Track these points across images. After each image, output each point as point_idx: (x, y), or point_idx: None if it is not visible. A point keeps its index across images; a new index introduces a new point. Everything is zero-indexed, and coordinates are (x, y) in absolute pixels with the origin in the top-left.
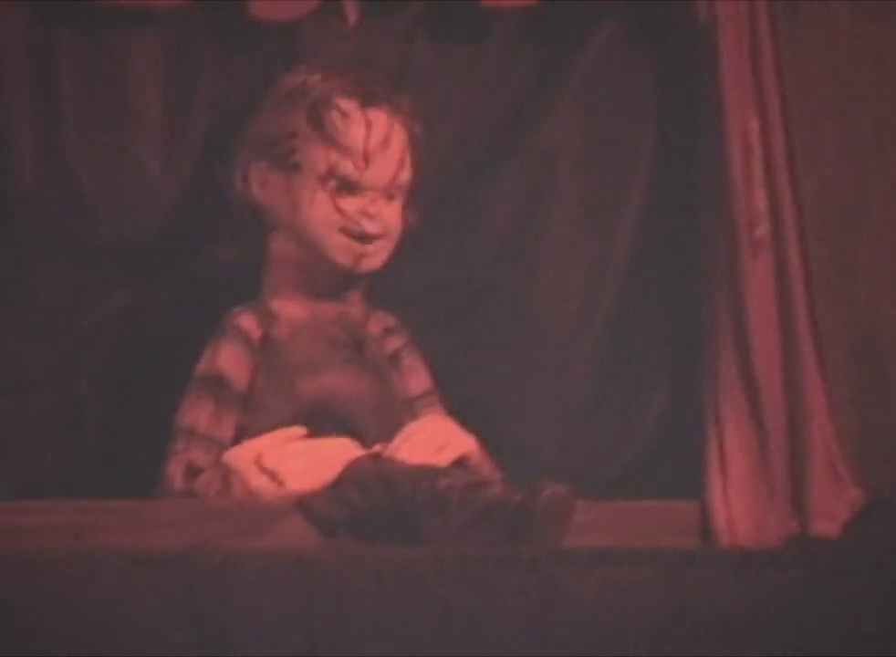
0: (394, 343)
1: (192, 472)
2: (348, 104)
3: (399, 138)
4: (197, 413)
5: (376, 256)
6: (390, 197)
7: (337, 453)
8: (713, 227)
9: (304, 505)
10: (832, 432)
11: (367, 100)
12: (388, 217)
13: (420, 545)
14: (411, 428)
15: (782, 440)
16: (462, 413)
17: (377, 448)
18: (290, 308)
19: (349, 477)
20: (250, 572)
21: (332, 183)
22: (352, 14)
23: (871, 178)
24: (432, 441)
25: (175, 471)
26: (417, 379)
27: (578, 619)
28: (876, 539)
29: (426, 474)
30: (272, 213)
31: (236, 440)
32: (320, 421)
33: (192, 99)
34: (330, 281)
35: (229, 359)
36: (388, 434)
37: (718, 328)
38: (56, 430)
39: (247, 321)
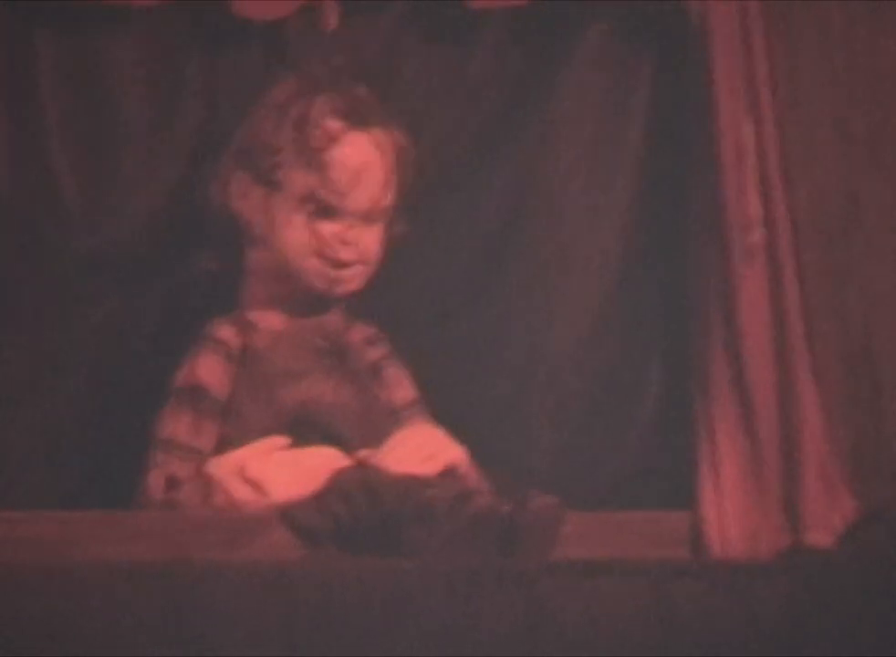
0: (375, 353)
1: (173, 483)
2: (334, 125)
3: (384, 161)
4: (176, 425)
5: (352, 282)
6: (370, 221)
7: (321, 462)
8: (705, 233)
9: (287, 515)
10: (826, 441)
11: (354, 121)
12: (366, 243)
13: (405, 557)
14: (400, 436)
15: (775, 450)
16: (449, 424)
17: (363, 453)
18: (270, 319)
19: (334, 488)
20: (231, 584)
21: (310, 207)
22: (332, 16)
23: (866, 183)
24: (421, 450)
25: (155, 482)
26: (400, 389)
27: (567, 632)
28: (870, 551)
29: (412, 484)
30: (250, 225)
31: (218, 451)
32: (302, 430)
33: (175, 102)
34: (309, 295)
35: (208, 370)
36: (371, 443)
37: (710, 336)
38: (35, 441)
39: (226, 332)
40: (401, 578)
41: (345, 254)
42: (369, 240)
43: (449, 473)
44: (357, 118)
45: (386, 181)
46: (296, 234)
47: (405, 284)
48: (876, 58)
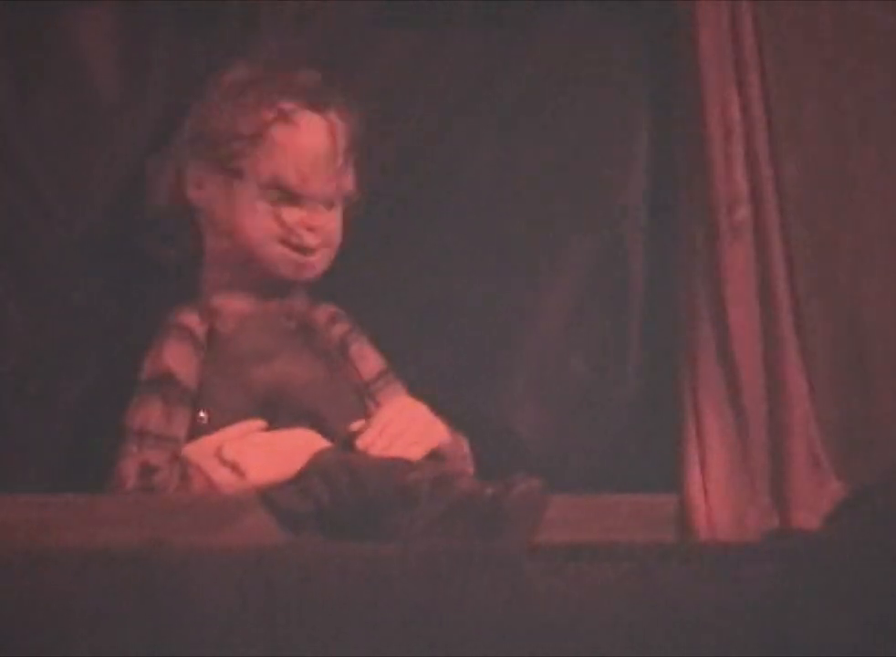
0: (340, 330)
1: (147, 470)
2: (292, 109)
3: (343, 144)
4: (146, 414)
5: (317, 266)
6: (331, 205)
7: (299, 444)
8: (691, 210)
9: (267, 498)
10: (813, 421)
11: (312, 104)
12: (328, 227)
13: (387, 540)
14: (384, 418)
15: (762, 430)
16: (434, 405)
17: (356, 426)
18: (233, 304)
19: (315, 469)
20: (210, 569)
21: (274, 193)
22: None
23: (855, 159)
24: (407, 432)
25: (128, 471)
26: (368, 362)
27: (552, 617)
28: (857, 532)
29: (395, 466)
30: (208, 214)
31: (191, 438)
32: (276, 411)
33: (143, 84)
34: (273, 280)
35: (175, 358)
36: (345, 420)
37: (696, 314)
38: (8, 425)
39: (189, 318)
40: (382, 562)
41: (310, 239)
42: (331, 223)
43: (434, 454)
44: (312, 100)
45: (345, 166)
46: (260, 222)
47: (375, 267)
48: (866, 31)
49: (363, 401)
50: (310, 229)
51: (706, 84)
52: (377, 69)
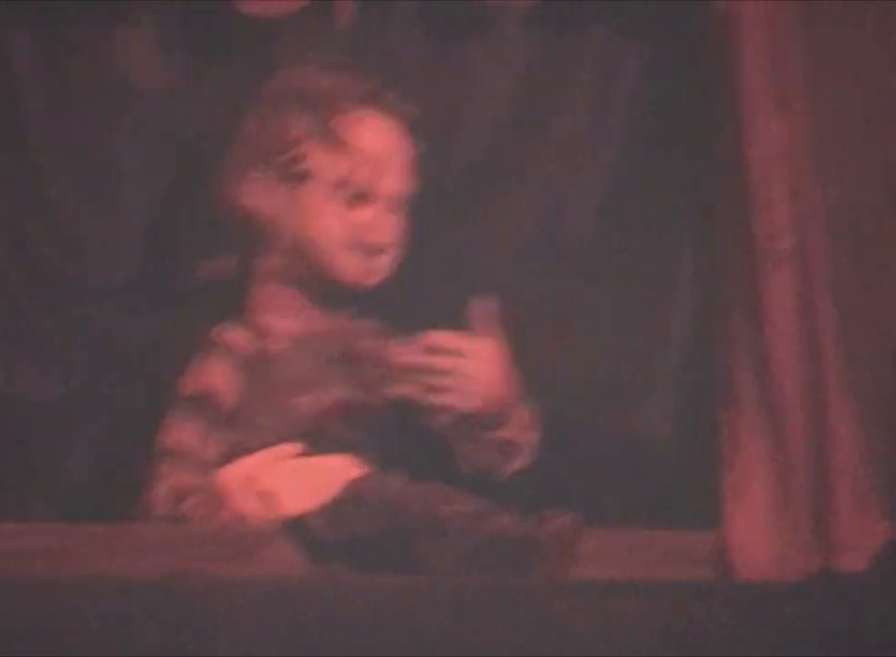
0: (384, 344)
1: (178, 496)
2: (356, 108)
3: (405, 147)
4: (182, 434)
5: (382, 270)
6: (395, 207)
7: (335, 472)
8: (731, 239)
9: (297, 524)
10: (858, 457)
11: (379, 107)
12: (396, 228)
13: (416, 572)
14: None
15: (805, 466)
16: None
17: (345, 461)
18: (280, 324)
19: (349, 497)
20: (232, 601)
21: (344, 192)
22: (344, 13)
23: None
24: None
25: (161, 495)
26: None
27: (583, 656)
28: None
29: (431, 496)
30: (271, 224)
31: (225, 460)
32: (315, 439)
33: (174, 102)
34: (322, 297)
35: (217, 377)
36: (381, 451)
37: (736, 346)
38: (35, 451)
39: (236, 337)
40: (409, 595)
41: (381, 237)
42: (399, 227)
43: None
44: (378, 103)
45: (409, 167)
46: (330, 223)
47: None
48: None
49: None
50: (379, 229)
51: (748, 109)
52: (410, 87)
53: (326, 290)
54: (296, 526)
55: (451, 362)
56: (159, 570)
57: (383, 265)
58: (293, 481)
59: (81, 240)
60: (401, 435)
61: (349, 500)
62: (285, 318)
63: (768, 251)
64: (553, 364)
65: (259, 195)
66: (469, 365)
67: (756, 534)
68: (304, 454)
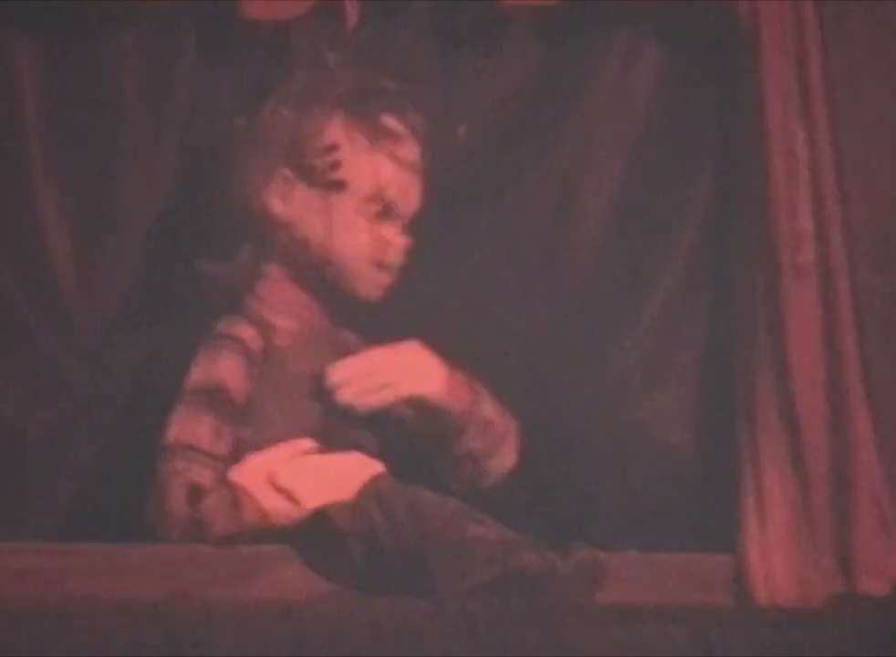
0: None
1: (196, 493)
2: (393, 121)
3: (420, 160)
4: (196, 428)
5: (385, 288)
6: (406, 224)
7: (353, 468)
8: (751, 251)
9: (323, 514)
10: (882, 479)
11: (408, 120)
12: (406, 245)
13: (426, 591)
14: (362, 356)
15: (826, 488)
16: None
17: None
18: (285, 321)
19: (372, 493)
20: (234, 625)
21: (374, 207)
22: (352, 15)
23: None
24: (377, 373)
25: (178, 493)
26: None
27: None
28: None
29: (458, 515)
30: (287, 228)
31: (235, 456)
32: (327, 435)
33: (175, 107)
34: (325, 301)
35: (228, 370)
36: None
37: (757, 362)
38: (31, 469)
39: (245, 331)
40: (417, 619)
41: (395, 257)
42: (406, 243)
43: (417, 403)
44: (402, 110)
45: (423, 180)
46: (358, 238)
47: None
48: None
49: None
50: (397, 249)
51: (769, 114)
52: (424, 89)
53: (331, 299)
54: (319, 514)
55: (384, 362)
56: (159, 593)
57: (388, 281)
58: (311, 478)
59: (81, 249)
60: (391, 445)
61: (372, 496)
62: (288, 317)
63: (790, 263)
64: (564, 380)
65: (284, 199)
66: (401, 357)
67: (776, 557)
68: (318, 451)
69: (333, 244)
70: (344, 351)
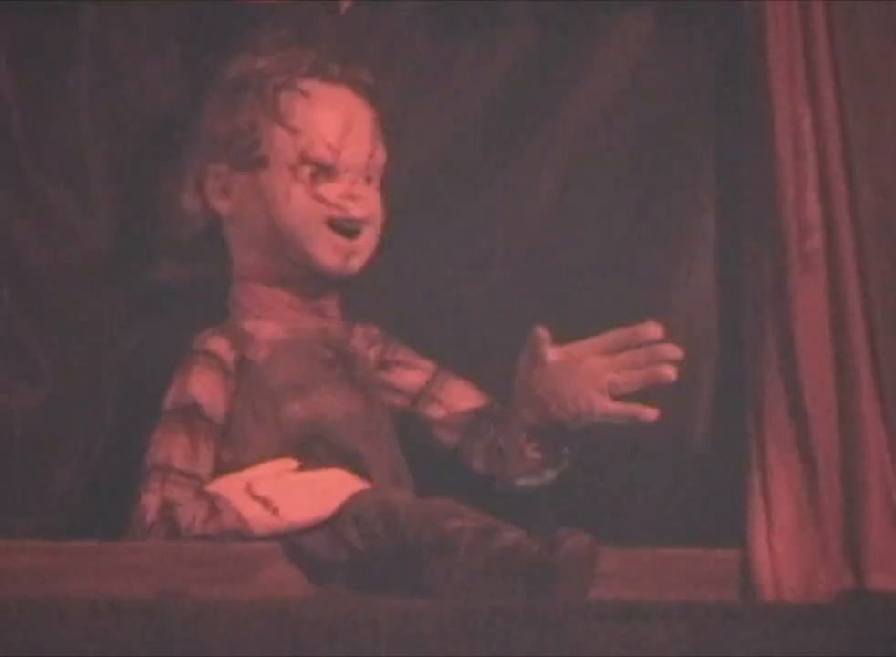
0: (378, 349)
1: (169, 506)
2: (307, 84)
3: (365, 115)
4: (171, 449)
5: (363, 251)
6: (368, 179)
7: (334, 484)
8: (758, 239)
9: (294, 544)
10: (892, 471)
11: (326, 78)
12: (371, 200)
13: (423, 595)
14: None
15: (835, 481)
16: None
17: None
18: (266, 328)
19: (349, 514)
20: (228, 624)
21: (306, 171)
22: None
23: None
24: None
25: (151, 506)
26: (418, 368)
27: None
28: None
29: (434, 512)
30: (237, 223)
31: (217, 475)
32: (310, 449)
33: (161, 90)
34: (307, 294)
35: (202, 387)
36: (382, 458)
37: (763, 353)
38: (21, 467)
39: (218, 344)
40: (415, 618)
41: (356, 210)
42: (373, 197)
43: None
44: (330, 75)
45: (373, 135)
46: (300, 207)
47: (403, 279)
48: None
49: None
50: (354, 198)
51: (775, 98)
52: (415, 75)
53: (310, 284)
54: (291, 546)
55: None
56: (150, 591)
57: (362, 245)
58: (291, 493)
59: (63, 238)
60: (403, 444)
61: (349, 517)
62: (270, 321)
63: (798, 251)
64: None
65: (222, 192)
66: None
67: (784, 552)
68: (300, 469)
69: (278, 220)
70: (326, 356)
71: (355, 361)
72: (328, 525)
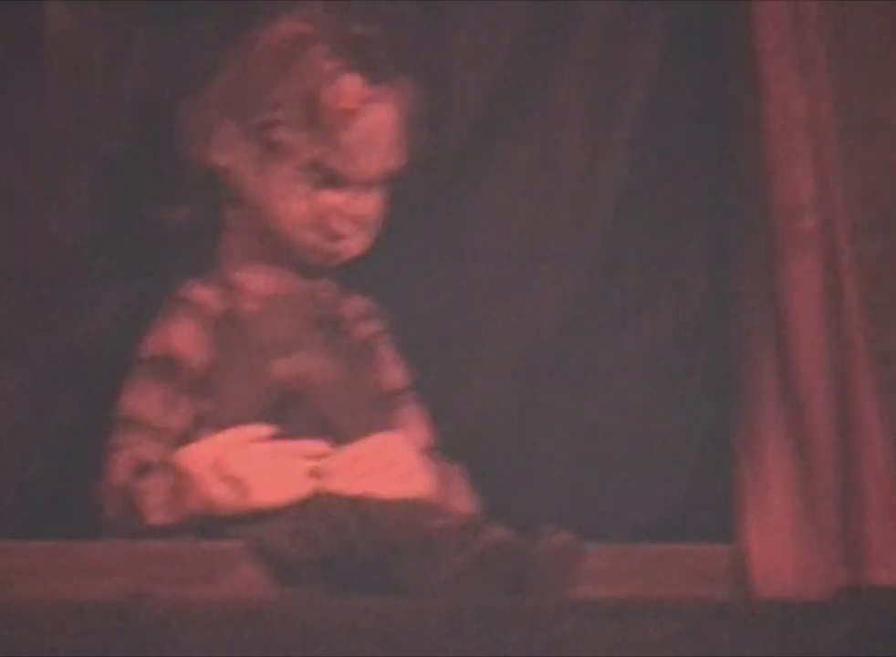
0: (369, 329)
1: (139, 468)
2: (350, 84)
3: (395, 123)
4: (146, 400)
5: (350, 251)
6: (373, 185)
7: (307, 457)
8: (750, 220)
9: (260, 543)
10: (890, 464)
11: (369, 77)
12: (367, 211)
13: (402, 595)
14: (360, 449)
15: (831, 473)
16: (462, 445)
17: (320, 448)
18: (256, 281)
19: (318, 511)
20: (199, 626)
21: (314, 175)
22: None
23: None
24: (379, 472)
25: (119, 466)
26: (393, 372)
27: None
28: None
29: (413, 511)
30: (237, 184)
31: (193, 430)
32: (287, 411)
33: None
34: (298, 262)
35: (183, 338)
36: (359, 432)
37: (755, 340)
38: None
39: (204, 294)
40: (394, 619)
41: (344, 227)
42: (371, 205)
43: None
44: (371, 72)
45: (394, 146)
46: (295, 206)
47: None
48: None
49: (380, 413)
50: (346, 216)
51: (766, 74)
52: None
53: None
54: (256, 546)
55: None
56: (117, 593)
57: (346, 249)
58: (262, 468)
59: (33, 199)
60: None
61: (318, 515)
62: (259, 274)
63: (791, 232)
64: (554, 365)
65: (225, 150)
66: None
67: (778, 547)
68: (273, 437)
69: (271, 210)
70: (315, 317)
71: (343, 327)
72: (296, 521)
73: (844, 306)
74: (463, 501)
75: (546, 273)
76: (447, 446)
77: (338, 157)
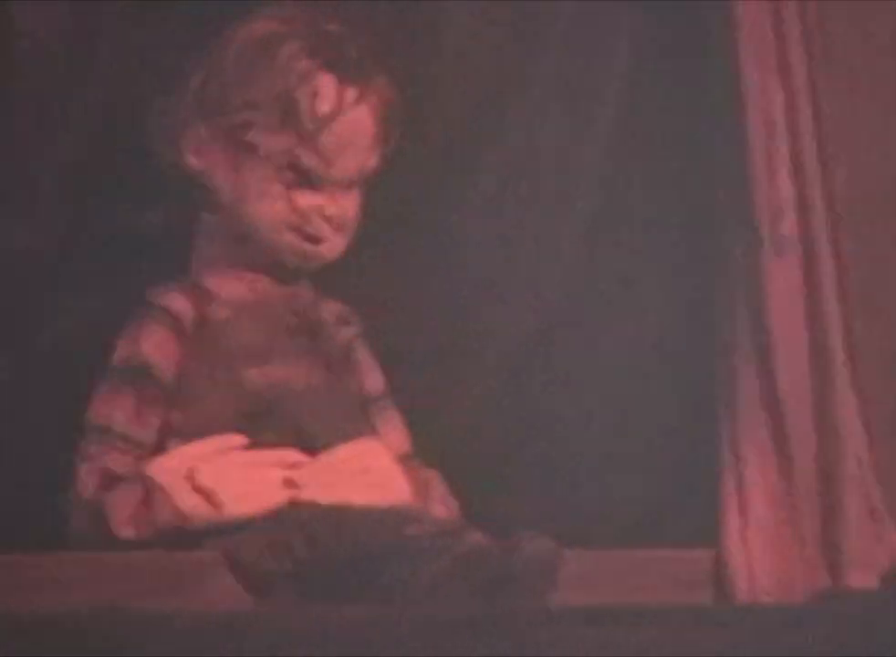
0: (347, 334)
1: (108, 480)
2: (324, 84)
3: (372, 123)
4: (114, 409)
5: (330, 253)
6: (351, 187)
7: (281, 467)
8: (729, 222)
9: (233, 554)
10: (870, 466)
11: (346, 76)
12: (345, 210)
13: (377, 603)
14: (338, 455)
15: (811, 476)
16: (439, 446)
17: (295, 457)
18: (230, 287)
19: (291, 520)
20: (172, 637)
21: (290, 176)
22: None
23: None
24: (357, 478)
25: (88, 477)
26: (371, 377)
27: None
28: None
29: (388, 517)
30: (211, 187)
31: (162, 442)
32: (262, 421)
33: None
34: (274, 265)
35: (154, 346)
36: (336, 440)
37: (735, 343)
38: None
39: (176, 301)
40: (371, 628)
41: (323, 230)
42: (349, 205)
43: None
44: (347, 72)
45: (372, 145)
46: (271, 207)
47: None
48: None
49: (359, 419)
50: (325, 218)
51: (746, 78)
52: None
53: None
54: (229, 555)
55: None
56: (84, 605)
57: (325, 250)
58: (234, 479)
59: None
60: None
61: (291, 524)
62: (233, 280)
63: (770, 236)
64: (539, 369)
65: (197, 152)
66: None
67: (759, 551)
68: (247, 447)
69: (246, 210)
70: (291, 323)
71: (320, 333)
72: (269, 532)
73: (824, 308)
74: (441, 507)
75: (527, 275)
76: (424, 452)
77: (315, 157)
